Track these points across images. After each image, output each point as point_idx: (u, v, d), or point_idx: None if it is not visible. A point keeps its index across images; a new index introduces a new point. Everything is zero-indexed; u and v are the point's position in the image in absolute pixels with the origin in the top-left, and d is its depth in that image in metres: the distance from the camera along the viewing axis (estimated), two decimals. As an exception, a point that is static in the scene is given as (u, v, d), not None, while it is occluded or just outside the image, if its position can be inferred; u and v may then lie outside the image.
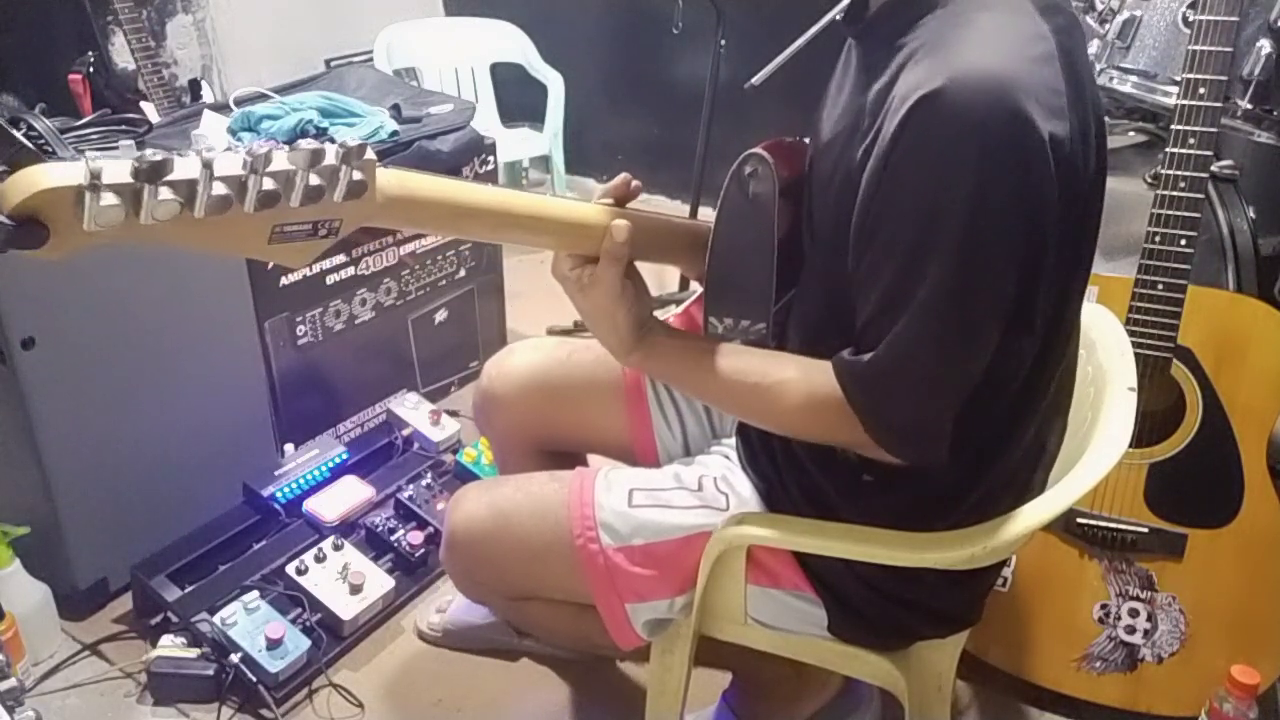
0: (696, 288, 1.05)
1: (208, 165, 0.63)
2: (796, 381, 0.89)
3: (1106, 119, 1.70)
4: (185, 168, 0.63)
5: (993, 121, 0.74)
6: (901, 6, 0.86)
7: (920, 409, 0.85)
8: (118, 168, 0.60)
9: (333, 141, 0.78)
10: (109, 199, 0.60)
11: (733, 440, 1.14)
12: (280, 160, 0.67)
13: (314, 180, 0.68)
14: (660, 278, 2.75)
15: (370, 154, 0.72)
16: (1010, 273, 0.79)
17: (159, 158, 0.61)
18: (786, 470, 1.03)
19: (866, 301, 0.84)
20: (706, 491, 1.07)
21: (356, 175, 0.71)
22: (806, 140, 1.00)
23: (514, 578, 1.14)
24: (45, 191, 0.59)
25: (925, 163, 0.77)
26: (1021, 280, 0.80)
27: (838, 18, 0.94)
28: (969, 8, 0.81)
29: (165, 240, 0.65)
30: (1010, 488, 0.96)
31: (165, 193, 0.62)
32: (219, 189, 0.64)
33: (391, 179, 0.77)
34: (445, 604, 1.60)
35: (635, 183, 0.94)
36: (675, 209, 3.56)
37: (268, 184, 0.66)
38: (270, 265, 1.71)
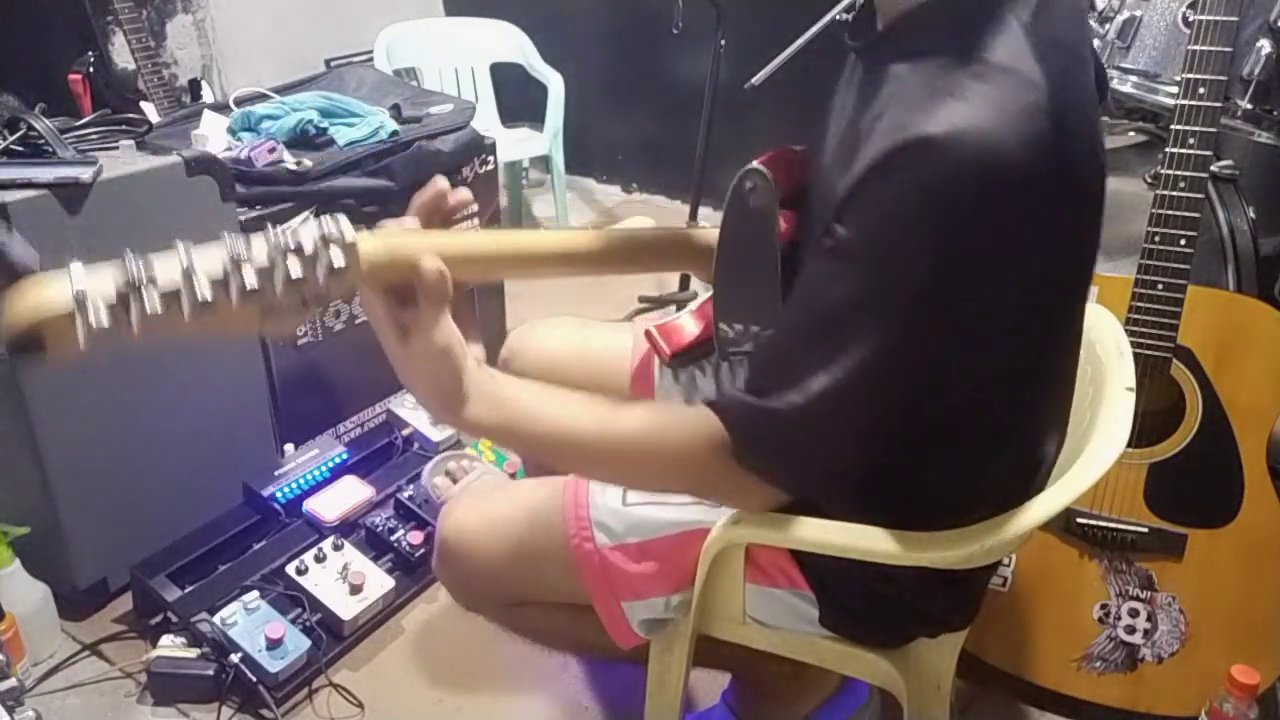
0: (696, 284, 1.05)
1: (189, 273, 0.63)
2: (667, 427, 0.83)
3: (1107, 119, 1.72)
4: (167, 272, 0.64)
5: (978, 190, 0.72)
6: (905, 35, 0.82)
7: (841, 455, 0.81)
8: (102, 284, 0.62)
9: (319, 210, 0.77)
10: (100, 318, 0.61)
11: None
12: (260, 254, 0.67)
13: (295, 271, 0.68)
14: (660, 277, 2.75)
15: (350, 234, 0.69)
16: (967, 325, 0.77)
17: (141, 273, 0.62)
18: None
19: (791, 325, 0.80)
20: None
21: (339, 261, 0.69)
22: (800, 149, 1.00)
23: (509, 583, 1.14)
24: (40, 323, 0.60)
25: (904, 206, 0.74)
26: (980, 332, 0.78)
27: (844, 21, 0.92)
28: (970, 53, 0.76)
29: (161, 337, 0.65)
30: (1005, 500, 0.95)
31: (152, 302, 0.63)
32: (204, 291, 0.65)
33: (376, 247, 0.72)
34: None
35: (460, 194, 0.82)
36: (675, 209, 3.57)
37: (250, 280, 0.66)
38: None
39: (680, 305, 2.17)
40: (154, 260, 0.63)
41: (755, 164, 0.89)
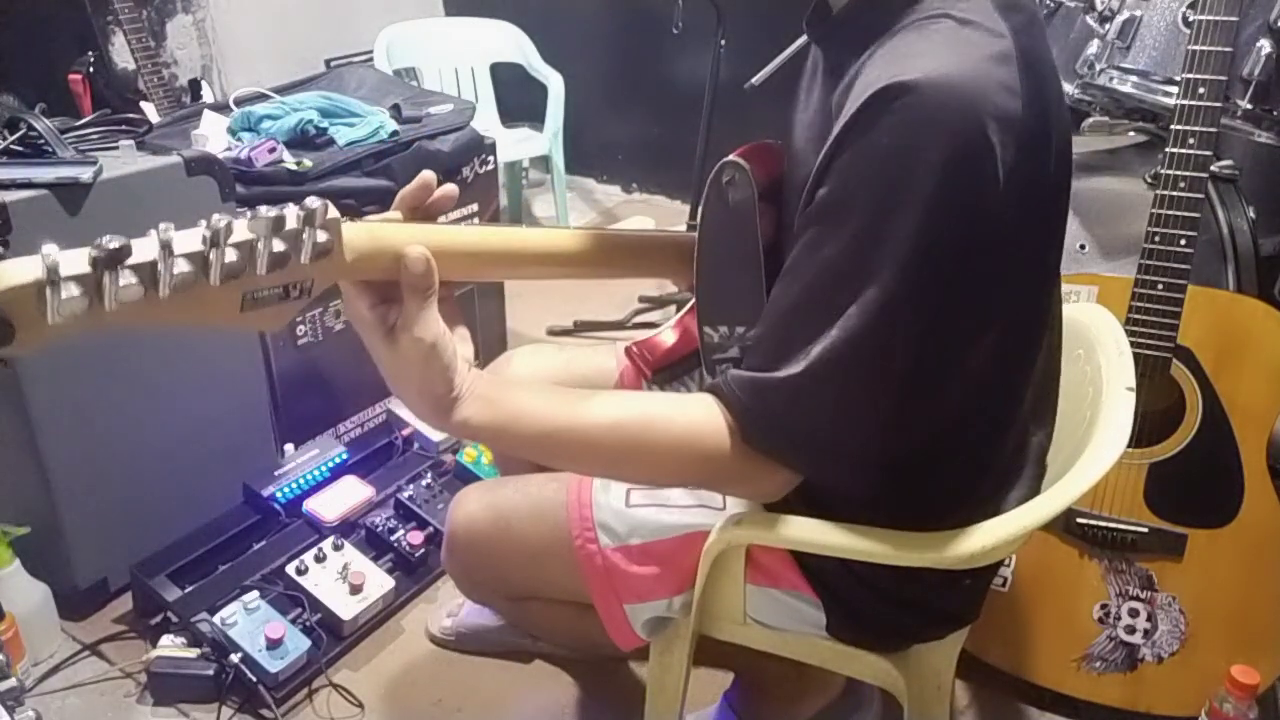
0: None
1: (166, 245, 0.60)
2: (670, 415, 0.81)
3: (1107, 118, 1.72)
4: (144, 250, 0.61)
5: (962, 130, 0.71)
6: (862, 14, 0.84)
7: (850, 427, 0.79)
8: (75, 258, 0.58)
9: (298, 191, 0.75)
10: (71, 290, 0.58)
11: None
12: (241, 230, 0.64)
13: (278, 246, 0.66)
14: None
15: (333, 212, 0.68)
16: (959, 277, 0.76)
17: (115, 244, 0.59)
18: None
19: (785, 299, 0.78)
20: (703, 490, 1.07)
21: (321, 236, 0.68)
22: (776, 142, 1.00)
23: (514, 578, 1.14)
24: (5, 291, 0.56)
25: (888, 152, 0.72)
26: (971, 287, 0.77)
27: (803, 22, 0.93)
28: (935, 14, 0.78)
29: (136, 322, 0.62)
30: (1001, 488, 0.96)
31: (127, 277, 0.60)
32: (181, 266, 0.62)
33: (360, 233, 0.70)
34: (456, 607, 1.61)
35: (445, 189, 0.80)
36: (675, 209, 3.57)
37: (230, 255, 0.64)
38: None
39: (680, 306, 2.17)
40: (132, 239, 0.60)
41: (733, 156, 0.87)
